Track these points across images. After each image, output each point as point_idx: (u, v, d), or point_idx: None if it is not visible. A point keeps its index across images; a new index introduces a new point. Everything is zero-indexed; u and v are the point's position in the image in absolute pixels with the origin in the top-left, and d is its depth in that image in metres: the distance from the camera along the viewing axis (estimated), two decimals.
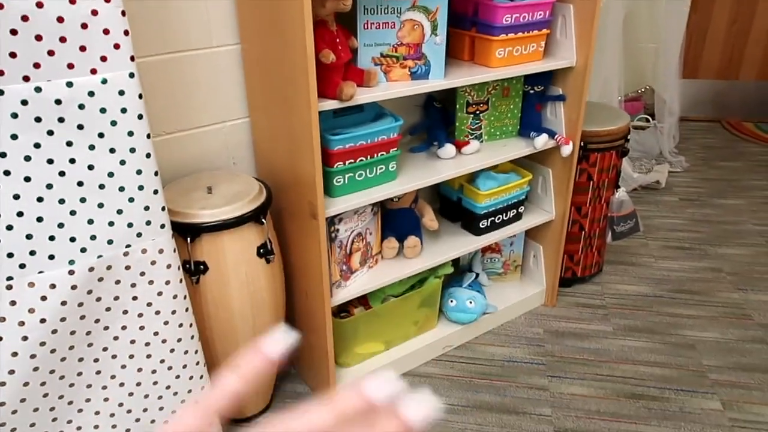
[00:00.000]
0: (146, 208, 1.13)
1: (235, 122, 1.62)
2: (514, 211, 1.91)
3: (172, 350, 1.28)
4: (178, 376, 1.31)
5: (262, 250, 1.44)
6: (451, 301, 1.92)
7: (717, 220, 2.71)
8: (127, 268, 1.15)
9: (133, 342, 1.22)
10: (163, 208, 1.16)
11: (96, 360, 1.20)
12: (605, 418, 1.68)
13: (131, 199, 1.11)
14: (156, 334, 1.24)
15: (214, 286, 1.40)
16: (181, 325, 1.26)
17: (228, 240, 1.38)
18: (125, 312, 1.19)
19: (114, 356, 1.22)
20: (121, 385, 1.25)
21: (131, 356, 1.23)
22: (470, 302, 1.91)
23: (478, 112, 1.79)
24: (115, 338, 1.20)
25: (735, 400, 1.73)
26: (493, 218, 1.86)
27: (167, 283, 1.21)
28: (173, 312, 1.24)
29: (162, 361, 1.27)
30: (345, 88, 1.32)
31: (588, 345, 1.95)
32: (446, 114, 1.83)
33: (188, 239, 1.34)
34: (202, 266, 1.38)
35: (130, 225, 1.12)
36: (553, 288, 2.11)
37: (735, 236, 2.59)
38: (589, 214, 2.09)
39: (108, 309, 1.16)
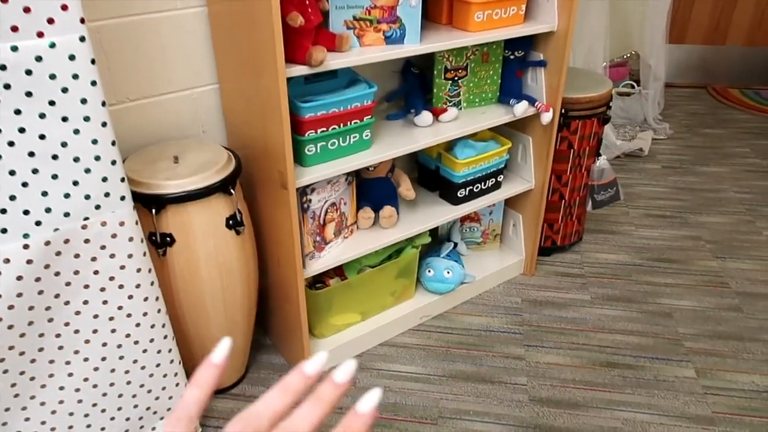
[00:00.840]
0: (104, 179, 1.08)
1: (204, 89, 1.56)
2: (493, 180, 1.88)
3: (137, 324, 1.25)
4: (145, 350, 1.29)
5: (231, 222, 1.40)
6: (429, 271, 1.90)
7: (699, 188, 2.71)
8: (87, 241, 1.11)
9: (96, 317, 1.19)
10: (122, 179, 1.11)
11: (58, 335, 1.17)
12: (580, 386, 1.68)
13: (87, 170, 1.06)
14: (120, 308, 1.21)
15: (182, 258, 1.37)
16: (146, 299, 1.23)
17: (195, 211, 1.34)
18: (86, 286, 1.15)
19: (77, 331, 1.18)
20: (86, 360, 1.22)
21: (95, 331, 1.20)
22: (448, 272, 1.89)
23: (456, 78, 1.74)
24: (77, 313, 1.17)
25: (709, 367, 1.74)
26: (471, 187, 1.82)
27: (130, 256, 1.17)
28: (137, 286, 1.21)
29: (128, 336, 1.25)
30: (314, 53, 1.27)
31: (565, 314, 1.95)
32: (424, 80, 1.78)
33: (153, 211, 1.30)
34: (168, 238, 1.34)
35: (87, 197, 1.08)
36: (532, 257, 2.10)
37: (716, 204, 2.58)
38: (570, 182, 2.07)
39: (68, 284, 1.13)
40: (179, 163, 1.38)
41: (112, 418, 1.32)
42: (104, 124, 1.05)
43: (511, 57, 1.77)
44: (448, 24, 1.66)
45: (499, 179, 1.90)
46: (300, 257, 1.48)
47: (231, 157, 1.44)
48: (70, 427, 1.28)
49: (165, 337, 1.32)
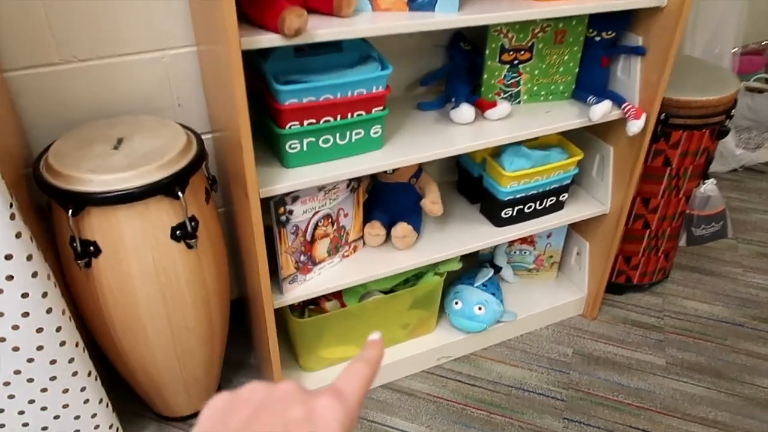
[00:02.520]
0: None
1: (179, 51, 1.22)
2: (553, 199, 1.43)
3: (29, 360, 0.96)
4: (44, 389, 1.00)
5: (178, 232, 1.07)
6: (456, 303, 1.51)
7: None
8: None
9: None
10: None
11: None
12: None
13: None
14: (2, 340, 0.92)
15: (110, 273, 1.06)
16: (40, 330, 0.94)
17: (125, 217, 1.02)
18: None
19: None
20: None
21: None
22: (480, 308, 1.49)
23: (516, 61, 1.30)
24: None
25: None
26: (521, 206, 1.39)
27: (9, 278, 0.87)
28: (25, 314, 0.91)
29: (17, 373, 0.96)
30: (287, 18, 0.88)
31: (628, 381, 1.50)
32: (475, 61, 1.35)
33: (69, 212, 0.99)
34: (92, 248, 1.03)
35: None
36: (596, 297, 1.64)
37: None
38: (660, 209, 1.58)
39: None
40: (119, 148, 1.06)
41: None
42: None
43: (597, 39, 1.29)
44: None
45: (561, 198, 1.45)
46: (266, 283, 1.14)
47: (192, 144, 1.10)
48: None
49: (74, 374, 1.02)
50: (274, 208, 1.11)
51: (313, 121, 1.07)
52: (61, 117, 1.17)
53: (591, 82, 1.35)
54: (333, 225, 1.25)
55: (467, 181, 1.50)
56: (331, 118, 1.08)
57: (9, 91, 1.11)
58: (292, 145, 1.08)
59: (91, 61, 1.16)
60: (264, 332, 1.23)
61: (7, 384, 0.97)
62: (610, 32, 1.27)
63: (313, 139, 1.09)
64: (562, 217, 1.47)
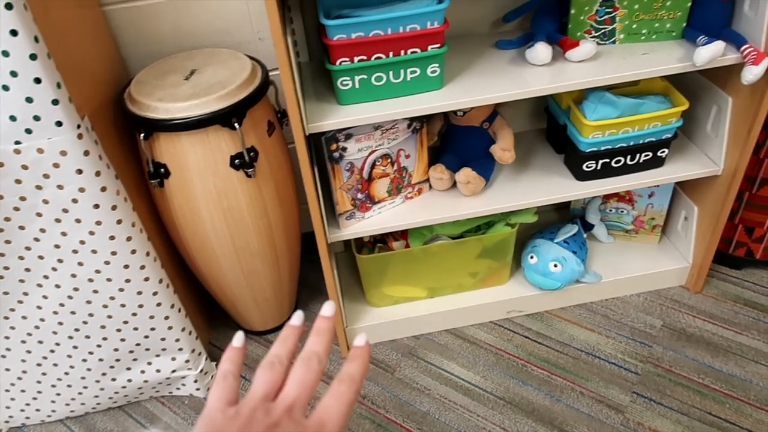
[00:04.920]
0: (28, 100, 0.89)
1: None
2: (649, 154, 1.27)
3: (106, 262, 1.10)
4: (121, 289, 1.15)
5: (237, 161, 1.14)
6: (531, 257, 1.43)
7: None
8: (24, 167, 0.96)
9: (57, 246, 1.07)
10: (54, 102, 0.91)
11: (21, 258, 1.08)
12: None
13: (5, 87, 0.87)
14: (82, 242, 1.07)
15: (179, 195, 1.17)
16: (112, 238, 1.07)
17: (188, 143, 1.10)
18: (39, 214, 1.02)
19: (41, 257, 1.09)
20: (57, 286, 1.13)
21: (60, 260, 1.09)
22: (555, 265, 1.40)
23: None
24: (36, 240, 1.06)
25: None
26: (606, 160, 1.26)
27: (81, 190, 1.00)
28: (98, 223, 1.04)
29: (98, 272, 1.12)
30: None
31: (720, 365, 1.33)
32: None
33: (142, 136, 1.09)
34: (162, 169, 1.14)
35: (12, 118, 0.91)
36: (701, 268, 1.46)
37: None
38: None
39: (16, 209, 1.01)
40: (190, 79, 1.14)
41: (99, 346, 1.25)
42: (13, 33, 0.84)
43: None
44: None
45: (660, 154, 1.28)
46: (316, 216, 1.17)
47: (255, 78, 1.14)
48: (57, 344, 1.24)
49: (146, 279, 1.16)
50: (326, 144, 1.13)
51: (364, 57, 1.05)
52: (154, 48, 1.28)
53: (706, 19, 1.15)
54: (393, 165, 1.24)
55: (554, 129, 1.38)
56: (382, 55, 1.05)
57: (107, 24, 1.23)
58: (344, 82, 1.08)
59: None
60: (325, 263, 1.28)
61: (90, 280, 1.13)
62: None
63: (365, 77, 1.08)
64: (661, 175, 1.30)
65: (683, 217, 1.47)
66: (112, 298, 1.17)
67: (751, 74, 1.08)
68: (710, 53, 1.08)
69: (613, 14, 1.17)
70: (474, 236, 1.37)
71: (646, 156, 1.27)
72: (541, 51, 1.14)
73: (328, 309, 0.46)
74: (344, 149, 1.16)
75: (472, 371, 1.38)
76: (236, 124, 1.09)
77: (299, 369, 0.41)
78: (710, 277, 1.52)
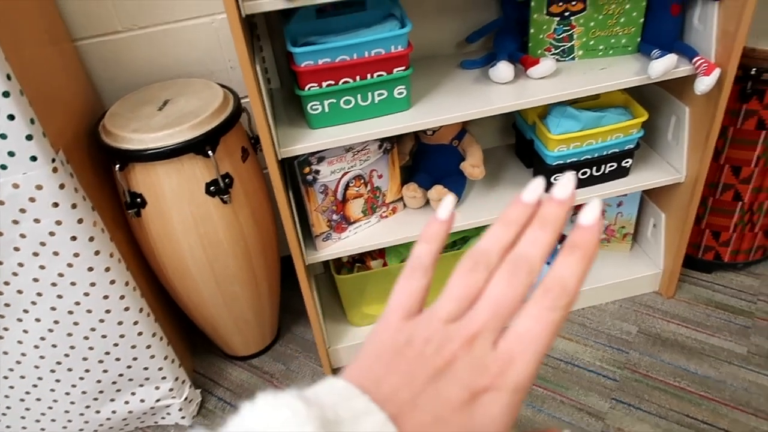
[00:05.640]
0: (2, 136, 0.91)
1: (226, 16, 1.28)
2: (613, 165, 1.32)
3: (86, 294, 1.11)
4: (102, 320, 1.16)
5: (212, 188, 1.16)
6: None
7: None
8: (0, 203, 0.97)
9: (36, 280, 1.08)
10: (28, 137, 0.93)
11: (0, 293, 1.09)
12: None
13: None
14: (61, 275, 1.08)
15: (156, 222, 1.18)
16: (91, 269, 1.08)
17: (163, 172, 1.12)
18: (16, 249, 1.03)
19: (20, 291, 1.09)
20: (37, 320, 1.14)
21: (39, 294, 1.10)
22: None
23: (567, 13, 1.19)
24: (14, 274, 1.07)
25: None
26: (573, 172, 1.30)
27: (58, 223, 1.01)
28: (76, 255, 1.06)
29: (77, 304, 1.12)
30: None
31: (695, 367, 1.36)
32: (526, 13, 1.26)
33: (117, 167, 1.11)
34: (139, 199, 1.16)
35: None
36: (672, 273, 1.50)
37: None
38: (754, 179, 1.38)
39: None
40: (163, 109, 1.16)
41: (81, 378, 1.25)
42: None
43: None
44: None
45: (624, 164, 1.33)
46: (293, 239, 1.19)
47: (227, 106, 1.17)
48: (40, 378, 1.24)
49: (126, 309, 1.17)
50: (299, 167, 1.16)
51: (332, 82, 1.08)
52: (127, 80, 1.30)
53: (659, 34, 1.20)
54: (366, 185, 1.26)
55: (522, 144, 1.43)
56: (350, 79, 1.08)
57: (80, 58, 1.26)
58: (314, 107, 1.11)
59: (149, 29, 1.27)
60: (303, 285, 1.30)
61: (70, 312, 1.14)
62: None
63: (334, 100, 1.11)
64: (627, 185, 1.35)
65: (652, 224, 1.52)
66: (92, 330, 1.18)
67: (703, 85, 1.13)
68: (663, 66, 1.13)
69: (570, 32, 1.22)
70: (450, 252, 1.40)
71: (611, 167, 1.32)
72: (504, 69, 1.18)
73: (564, 187, 0.31)
74: (317, 172, 1.18)
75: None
76: (210, 152, 1.12)
77: (501, 279, 0.29)
78: (682, 281, 1.56)
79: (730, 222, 1.46)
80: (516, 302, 0.29)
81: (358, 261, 1.45)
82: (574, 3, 1.18)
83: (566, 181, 0.31)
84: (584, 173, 1.31)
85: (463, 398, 0.26)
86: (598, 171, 1.31)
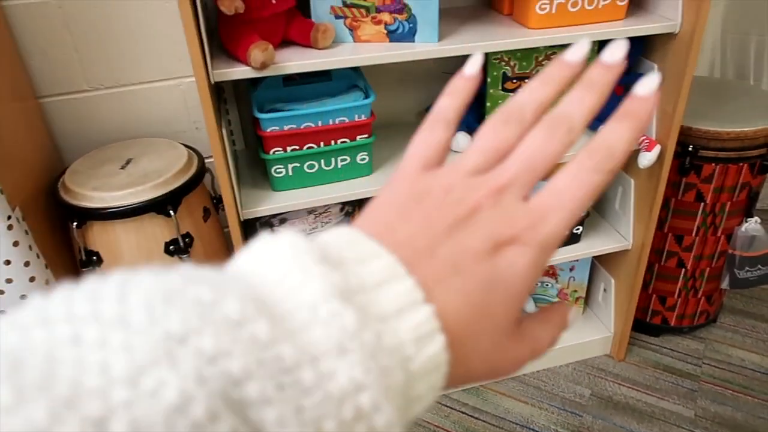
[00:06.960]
0: None
1: (193, 79, 1.31)
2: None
3: None
4: None
5: (171, 247, 1.16)
6: None
7: None
8: None
9: None
10: None
11: None
12: None
13: None
14: None
15: None
16: None
17: (122, 231, 1.11)
18: None
19: None
20: None
21: None
22: None
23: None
24: None
25: None
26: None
27: (9, 281, 0.99)
28: None
29: None
30: (253, 52, 0.94)
31: (646, 431, 1.39)
32: (485, 89, 1.33)
33: (74, 224, 1.10)
34: (95, 257, 1.14)
35: None
36: (622, 336, 1.54)
37: None
38: (695, 247, 1.46)
39: None
40: (126, 168, 1.16)
41: None
42: None
43: None
44: (509, 15, 1.20)
45: (575, 231, 1.39)
46: None
47: (191, 167, 1.18)
48: None
49: None
50: (261, 228, 1.17)
51: (296, 147, 1.11)
52: (91, 138, 1.30)
53: (605, 112, 1.28)
54: None
55: None
56: (314, 145, 1.12)
57: (44, 115, 1.26)
58: (278, 170, 1.13)
59: (116, 89, 1.29)
60: None
61: None
62: None
63: (298, 165, 1.14)
64: (578, 251, 1.40)
65: (602, 288, 1.57)
66: None
67: (645, 159, 1.21)
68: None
69: None
70: None
71: None
72: (461, 140, 1.24)
73: (614, 52, 0.28)
74: None
75: None
76: (171, 212, 1.12)
77: (537, 135, 0.27)
78: (631, 344, 1.61)
79: (675, 287, 1.53)
80: (552, 159, 0.26)
81: None
82: (527, 81, 1.26)
83: (616, 47, 0.28)
84: None
85: (485, 248, 0.24)
86: None
